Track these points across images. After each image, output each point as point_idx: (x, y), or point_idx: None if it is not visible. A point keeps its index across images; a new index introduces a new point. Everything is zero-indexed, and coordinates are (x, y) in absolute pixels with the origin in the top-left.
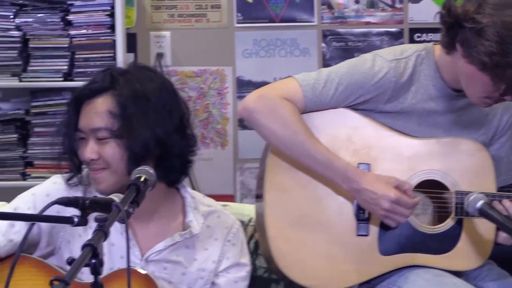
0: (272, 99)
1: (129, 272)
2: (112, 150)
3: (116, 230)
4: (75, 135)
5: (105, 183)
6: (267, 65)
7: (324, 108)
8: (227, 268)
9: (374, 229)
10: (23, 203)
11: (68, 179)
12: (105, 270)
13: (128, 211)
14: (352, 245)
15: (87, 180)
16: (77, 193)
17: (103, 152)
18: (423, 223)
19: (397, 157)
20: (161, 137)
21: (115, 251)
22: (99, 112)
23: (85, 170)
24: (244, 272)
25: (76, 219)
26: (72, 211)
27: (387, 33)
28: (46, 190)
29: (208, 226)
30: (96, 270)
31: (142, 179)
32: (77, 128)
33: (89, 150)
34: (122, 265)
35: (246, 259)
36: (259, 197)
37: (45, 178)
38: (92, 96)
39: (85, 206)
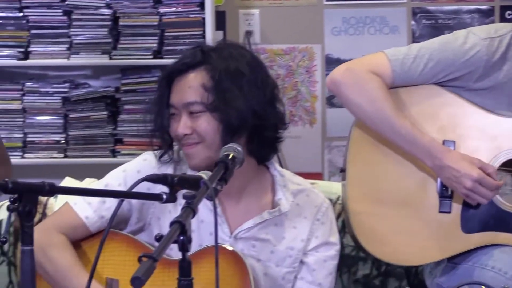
0: (359, 73)
1: (217, 249)
2: (206, 124)
3: (206, 207)
4: (166, 111)
5: (198, 158)
6: (356, 43)
7: (412, 84)
8: (316, 247)
9: (457, 207)
10: (113, 180)
11: (160, 156)
12: (194, 247)
13: (216, 188)
14: (434, 221)
15: (177, 156)
16: (168, 170)
17: (196, 126)
18: (509, 202)
19: (483, 135)
20: (256, 109)
21: (204, 228)
22: (192, 86)
23: (176, 147)
24: (333, 251)
25: (165, 196)
26: (161, 188)
27: (478, 11)
28: (136, 167)
29: (297, 204)
30: (184, 247)
31: (230, 157)
32: (169, 104)
33: (182, 125)
34: (211, 242)
35: (335, 238)
36: (343, 171)
37: (135, 155)
38: (185, 71)
39: (173, 183)
